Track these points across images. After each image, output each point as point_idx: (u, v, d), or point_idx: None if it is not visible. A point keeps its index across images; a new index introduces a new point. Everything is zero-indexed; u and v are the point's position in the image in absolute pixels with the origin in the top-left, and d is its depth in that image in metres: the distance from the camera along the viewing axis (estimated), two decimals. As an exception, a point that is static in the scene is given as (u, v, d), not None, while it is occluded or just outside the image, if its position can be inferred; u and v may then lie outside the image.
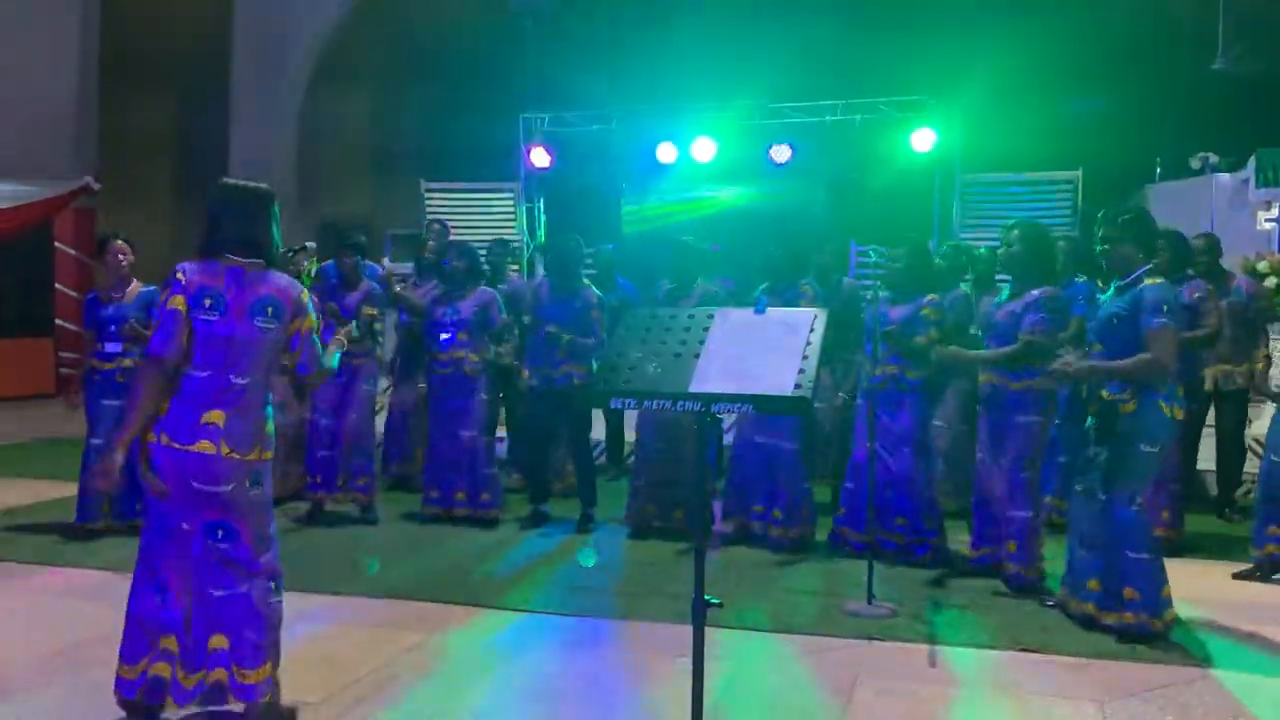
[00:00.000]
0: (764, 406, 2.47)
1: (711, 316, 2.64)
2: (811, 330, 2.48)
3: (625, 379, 2.54)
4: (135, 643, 3.39)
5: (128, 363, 5.82)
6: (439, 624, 4.53)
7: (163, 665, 3.39)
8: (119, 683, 3.40)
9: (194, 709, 3.38)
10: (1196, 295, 5.92)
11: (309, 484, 6.50)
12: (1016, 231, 5.13)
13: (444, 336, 6.38)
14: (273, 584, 3.43)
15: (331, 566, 5.45)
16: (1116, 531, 4.34)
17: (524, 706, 3.64)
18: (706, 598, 2.64)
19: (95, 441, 5.92)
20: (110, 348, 5.94)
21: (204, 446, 3.28)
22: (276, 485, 6.63)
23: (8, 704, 3.60)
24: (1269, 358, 6.34)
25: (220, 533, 3.35)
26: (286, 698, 3.58)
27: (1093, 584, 4.46)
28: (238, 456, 3.31)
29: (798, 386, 2.36)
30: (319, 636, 4.33)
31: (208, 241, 3.41)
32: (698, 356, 2.53)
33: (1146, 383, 4.32)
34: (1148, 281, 4.38)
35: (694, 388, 2.47)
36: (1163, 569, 4.38)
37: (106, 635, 4.13)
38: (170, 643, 3.39)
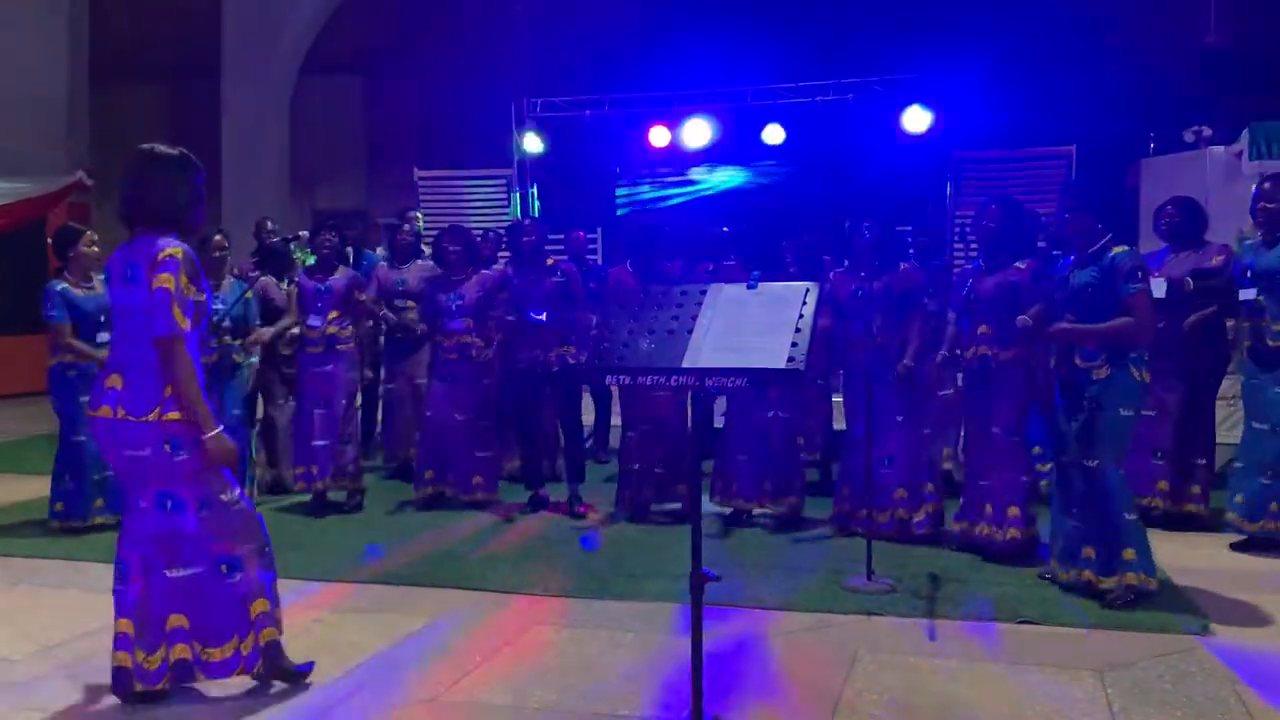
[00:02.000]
0: (758, 380, 2.48)
1: (704, 292, 2.64)
2: (804, 304, 2.48)
3: (619, 356, 2.54)
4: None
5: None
6: (439, 608, 4.54)
7: (122, 654, 3.38)
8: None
9: (164, 687, 3.39)
10: (1220, 259, 5.72)
11: (303, 474, 6.41)
12: (994, 208, 5.21)
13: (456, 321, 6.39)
14: (223, 565, 3.40)
15: (331, 554, 5.45)
16: (1109, 496, 4.43)
17: (526, 688, 3.64)
18: (704, 570, 2.64)
19: (78, 439, 5.84)
20: (103, 338, 5.74)
21: (104, 411, 3.34)
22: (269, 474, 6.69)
23: (10, 695, 3.61)
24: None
25: (169, 503, 3.35)
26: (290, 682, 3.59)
27: (1088, 551, 4.50)
28: (133, 419, 3.29)
29: (791, 360, 2.37)
30: (320, 623, 4.35)
31: (119, 216, 3.44)
32: (691, 332, 2.53)
33: (1119, 348, 4.41)
34: (1115, 250, 4.46)
35: (688, 363, 2.47)
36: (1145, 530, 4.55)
37: (106, 626, 4.15)
38: (125, 626, 3.38)
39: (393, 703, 3.53)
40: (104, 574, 4.97)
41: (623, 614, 4.45)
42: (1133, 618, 4.24)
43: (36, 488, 7.22)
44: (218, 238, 6.16)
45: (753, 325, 2.48)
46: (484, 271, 6.57)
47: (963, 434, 6.43)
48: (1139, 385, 4.45)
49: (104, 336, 5.76)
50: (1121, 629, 4.14)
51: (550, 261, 6.37)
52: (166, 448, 3.30)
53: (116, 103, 15.20)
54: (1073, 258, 4.66)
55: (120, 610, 3.41)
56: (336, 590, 4.85)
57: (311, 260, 6.98)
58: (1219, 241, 6.06)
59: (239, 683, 3.55)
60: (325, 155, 15.87)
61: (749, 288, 2.62)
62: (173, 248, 3.32)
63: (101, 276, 5.82)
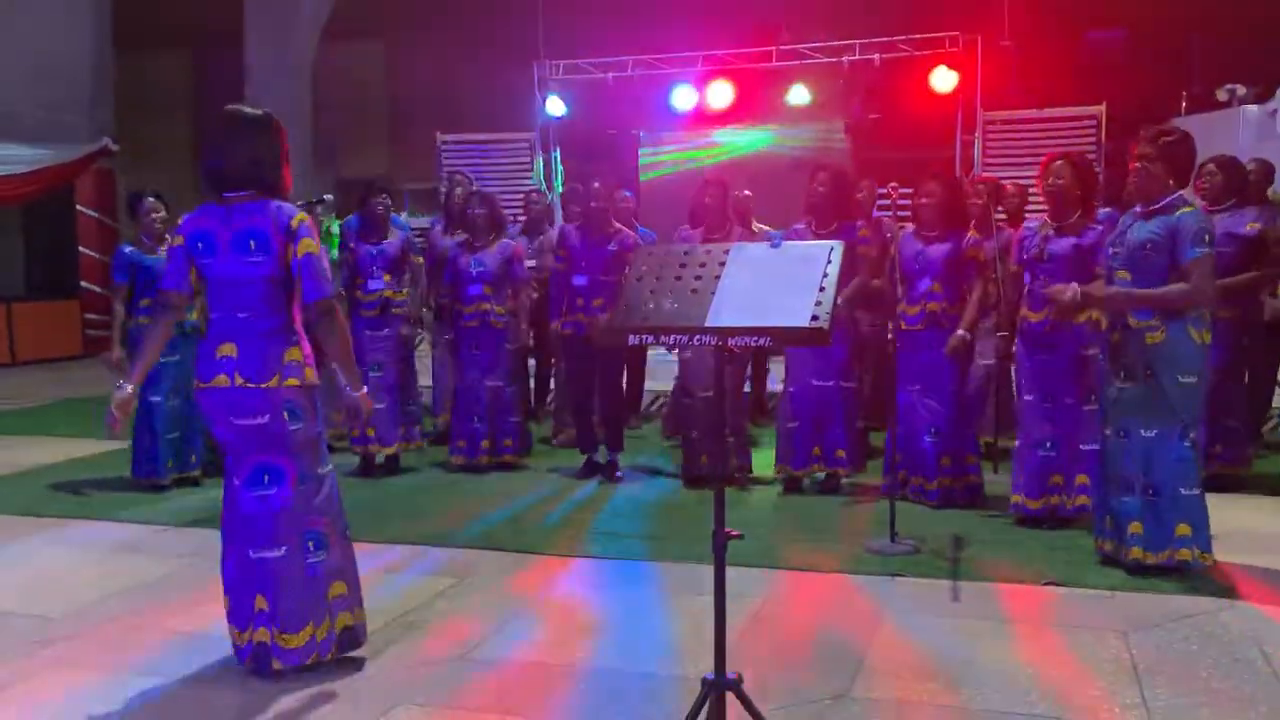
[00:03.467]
0: (782, 338, 2.47)
1: (728, 251, 2.62)
2: (828, 262, 2.47)
3: (641, 315, 2.54)
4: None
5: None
6: (470, 569, 4.58)
7: (230, 628, 3.44)
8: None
9: (249, 668, 3.42)
10: (1258, 225, 5.56)
11: (358, 438, 6.45)
12: (1060, 163, 4.91)
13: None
14: (310, 541, 3.38)
15: (365, 515, 5.49)
16: (1169, 468, 4.20)
17: (553, 647, 3.68)
18: (726, 530, 2.65)
19: (154, 399, 5.98)
20: None
21: (219, 380, 3.31)
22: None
23: (47, 652, 3.68)
24: None
25: (266, 477, 3.33)
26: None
27: (1134, 527, 4.28)
28: (253, 386, 3.28)
29: (815, 318, 2.35)
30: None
31: (202, 179, 3.39)
32: (714, 292, 2.52)
33: (1174, 312, 4.17)
34: (1183, 209, 4.17)
35: (710, 322, 2.47)
36: (1206, 505, 4.30)
37: (143, 586, 4.23)
38: (226, 602, 3.43)
39: (422, 660, 3.57)
40: (138, 535, 5.12)
41: (651, 575, 4.48)
42: (1158, 581, 4.21)
43: (68, 450, 7.35)
44: None
45: (776, 284, 2.46)
46: (507, 240, 6.58)
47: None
48: (1198, 347, 4.17)
49: None
50: (1147, 591, 4.12)
51: (615, 229, 6.32)
52: (285, 415, 3.31)
53: (140, 69, 15.25)
54: (1136, 210, 4.34)
55: (225, 583, 3.43)
56: (367, 549, 4.87)
57: (337, 227, 7.02)
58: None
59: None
60: (348, 121, 15.86)
61: (772, 247, 2.61)
62: (301, 213, 3.34)
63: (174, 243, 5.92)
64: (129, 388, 3.32)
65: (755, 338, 2.43)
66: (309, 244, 3.29)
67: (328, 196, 6.64)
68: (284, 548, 3.34)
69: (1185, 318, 4.17)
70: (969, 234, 5.49)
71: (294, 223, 3.29)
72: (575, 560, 4.72)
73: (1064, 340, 4.88)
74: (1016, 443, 5.17)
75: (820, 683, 3.34)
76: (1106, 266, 4.44)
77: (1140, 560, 4.25)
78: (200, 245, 3.35)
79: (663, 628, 3.86)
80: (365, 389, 3.41)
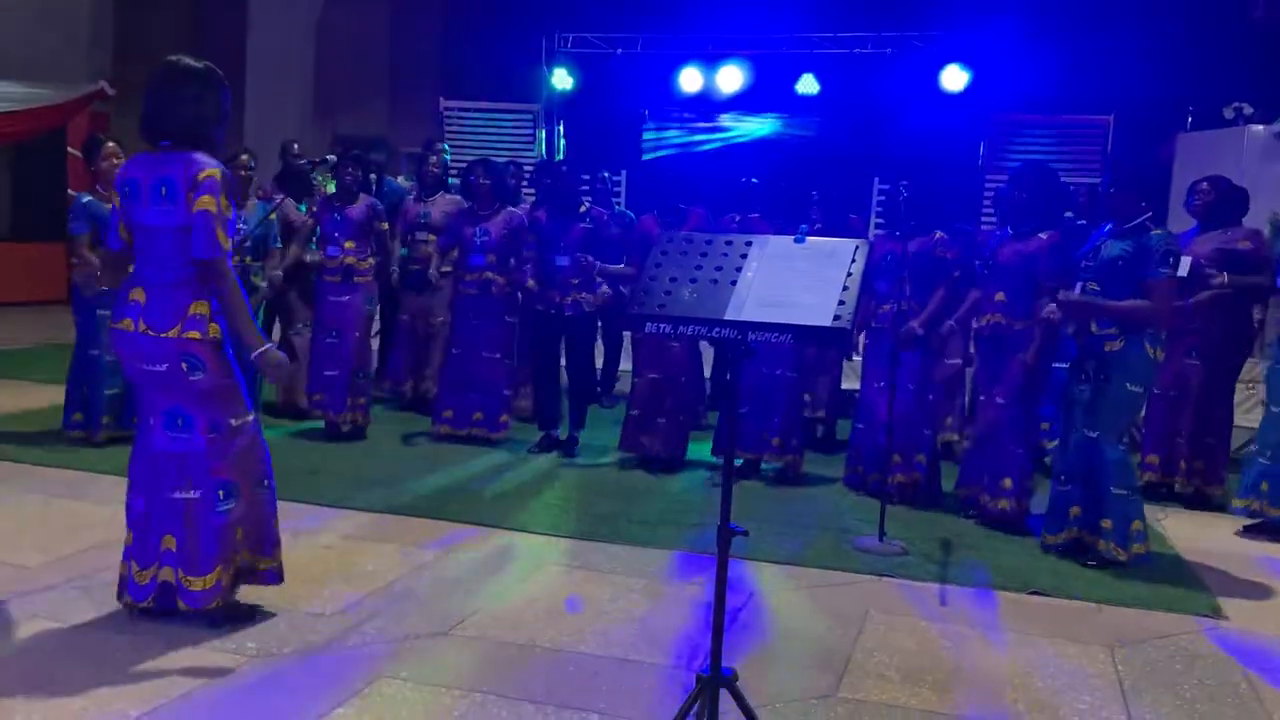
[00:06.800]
0: (803, 337, 2.43)
1: (750, 243, 2.57)
2: (853, 261, 2.42)
3: (660, 303, 2.49)
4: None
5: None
6: (453, 542, 4.54)
7: (124, 564, 3.47)
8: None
9: (149, 605, 3.44)
10: (1249, 245, 5.61)
11: (313, 402, 6.48)
12: (1027, 174, 5.12)
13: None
14: (220, 490, 3.39)
15: (344, 481, 5.46)
16: (1104, 467, 4.49)
17: (537, 627, 3.65)
18: (731, 525, 2.62)
19: (93, 353, 5.88)
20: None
21: (125, 324, 3.34)
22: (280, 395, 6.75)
23: (24, 602, 3.63)
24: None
25: (180, 421, 3.36)
26: (301, 608, 3.62)
27: (1075, 510, 4.62)
28: (153, 334, 3.28)
29: (838, 318, 2.31)
30: (333, 549, 4.36)
31: (140, 128, 3.37)
32: (734, 284, 2.47)
33: (1133, 326, 4.43)
34: (1154, 231, 4.45)
35: (730, 315, 2.42)
36: (1140, 505, 4.59)
37: (117, 540, 4.16)
38: (129, 538, 3.45)
39: (405, 633, 3.53)
40: (115, 486, 4.99)
41: (633, 559, 4.45)
42: (1144, 596, 4.23)
43: (49, 396, 7.24)
44: (244, 157, 6.08)
45: (799, 280, 2.42)
46: (511, 209, 6.50)
47: (967, 401, 6.44)
48: (1150, 362, 4.47)
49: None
50: (1134, 606, 4.13)
51: (583, 208, 6.29)
52: (183, 366, 3.30)
53: (142, 13, 14.99)
54: (1108, 228, 4.61)
55: (128, 521, 3.47)
56: (349, 517, 4.86)
57: (333, 187, 6.92)
58: (1251, 223, 5.96)
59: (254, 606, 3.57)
60: (350, 80, 15.66)
61: (796, 242, 2.56)
62: (211, 168, 3.29)
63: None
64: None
65: (774, 334, 2.39)
66: (207, 200, 3.25)
67: (330, 157, 6.55)
68: (197, 491, 3.37)
69: (1143, 332, 4.44)
70: (938, 234, 5.47)
71: (201, 176, 3.26)
72: (559, 539, 4.68)
73: (1008, 343, 5.02)
74: None
75: (806, 681, 3.32)
76: (1078, 277, 4.64)
77: (1081, 539, 4.62)
78: (128, 191, 3.37)
79: (649, 614, 3.82)
80: (267, 345, 3.37)
